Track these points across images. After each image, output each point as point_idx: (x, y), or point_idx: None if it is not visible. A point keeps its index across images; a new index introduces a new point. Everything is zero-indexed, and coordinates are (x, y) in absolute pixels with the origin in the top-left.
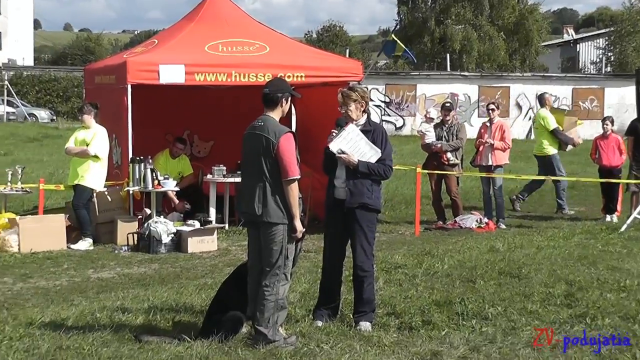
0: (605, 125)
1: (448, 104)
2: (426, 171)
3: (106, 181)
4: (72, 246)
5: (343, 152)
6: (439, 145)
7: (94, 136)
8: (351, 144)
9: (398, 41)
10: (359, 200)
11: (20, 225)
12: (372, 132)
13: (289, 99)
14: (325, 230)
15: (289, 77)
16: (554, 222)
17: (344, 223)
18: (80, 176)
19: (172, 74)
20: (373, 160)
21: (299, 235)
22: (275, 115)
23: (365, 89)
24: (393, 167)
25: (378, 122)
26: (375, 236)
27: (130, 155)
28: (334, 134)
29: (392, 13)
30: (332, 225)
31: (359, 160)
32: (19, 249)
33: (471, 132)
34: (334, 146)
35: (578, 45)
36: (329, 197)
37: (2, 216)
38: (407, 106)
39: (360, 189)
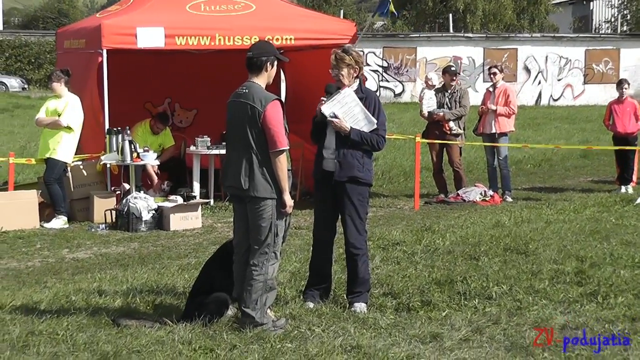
0: (622, 90)
1: (452, 68)
2: (426, 141)
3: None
4: (45, 224)
5: (335, 117)
6: (441, 114)
7: (66, 105)
8: (345, 109)
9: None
10: (348, 173)
11: None
12: (364, 99)
13: (275, 63)
14: (315, 204)
15: (277, 39)
16: (565, 194)
17: (334, 197)
18: (51, 149)
19: (150, 38)
20: (366, 129)
21: (289, 210)
22: (261, 81)
23: (361, 53)
24: (386, 138)
25: (374, 88)
26: (367, 211)
27: (107, 127)
28: (324, 101)
29: None
30: (321, 199)
31: (351, 127)
32: None
33: (476, 98)
34: (327, 109)
35: (591, 3)
36: (317, 168)
37: None
38: (407, 71)
39: (350, 161)
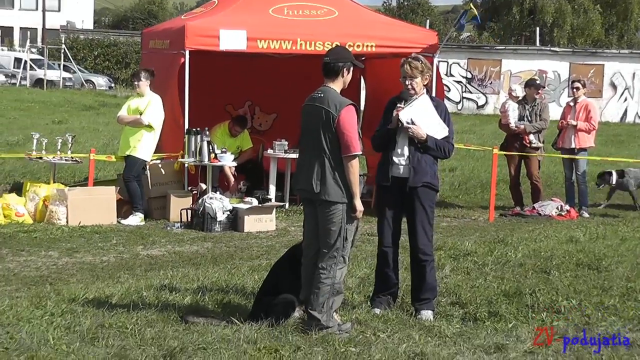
0: None
1: (537, 82)
2: (504, 153)
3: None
4: (123, 221)
5: (413, 123)
6: (522, 126)
7: (148, 104)
8: (422, 116)
9: (474, 8)
10: (423, 179)
11: (68, 197)
12: (436, 107)
13: (351, 69)
14: (379, 211)
15: (358, 46)
16: None
17: (403, 203)
18: (132, 147)
19: (233, 40)
20: (439, 136)
21: (359, 215)
22: (336, 86)
23: (426, 60)
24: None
25: (458, 99)
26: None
27: (186, 127)
28: (401, 107)
29: None
30: (388, 205)
31: (427, 134)
32: (67, 221)
33: (560, 112)
34: (405, 115)
35: None
36: (384, 175)
37: (51, 187)
38: (491, 83)
39: (424, 167)
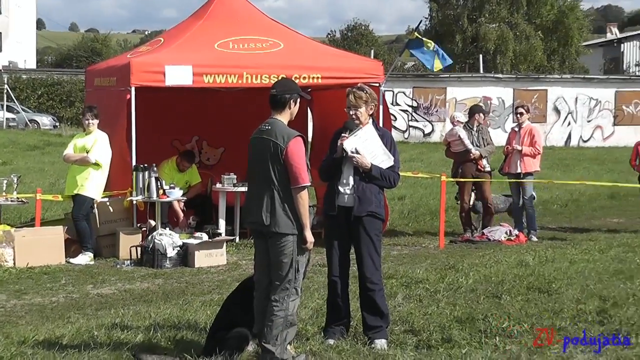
0: None
1: (484, 107)
2: (457, 180)
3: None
4: (72, 260)
5: (357, 152)
6: (478, 152)
7: (94, 142)
8: (366, 145)
9: (424, 39)
10: (367, 208)
11: (15, 238)
12: (381, 137)
13: (298, 100)
14: (327, 241)
15: (304, 78)
16: (591, 234)
17: (349, 233)
18: (80, 185)
19: (178, 76)
20: (384, 166)
21: (310, 246)
22: (284, 118)
23: (371, 90)
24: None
25: (404, 128)
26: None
27: (134, 163)
28: (345, 136)
29: (423, 11)
30: (335, 235)
31: (372, 163)
32: (14, 263)
33: (505, 138)
34: (349, 144)
35: (622, 45)
36: (331, 205)
37: None
38: (437, 111)
39: (368, 196)
